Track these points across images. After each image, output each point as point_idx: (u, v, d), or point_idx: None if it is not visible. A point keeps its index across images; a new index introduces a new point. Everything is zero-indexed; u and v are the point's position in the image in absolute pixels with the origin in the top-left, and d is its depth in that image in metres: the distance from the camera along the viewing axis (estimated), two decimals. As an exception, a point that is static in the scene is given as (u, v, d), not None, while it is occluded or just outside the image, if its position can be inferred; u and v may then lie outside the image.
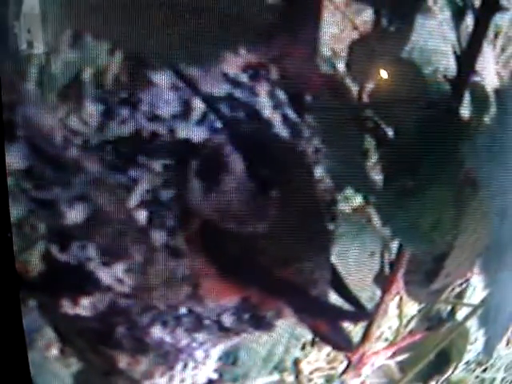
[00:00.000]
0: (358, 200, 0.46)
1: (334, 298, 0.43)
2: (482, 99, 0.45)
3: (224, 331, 0.42)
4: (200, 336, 0.42)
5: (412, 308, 0.54)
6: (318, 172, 0.41)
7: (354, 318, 0.46)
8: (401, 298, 0.52)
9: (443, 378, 0.56)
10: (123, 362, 0.42)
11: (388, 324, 0.54)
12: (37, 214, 0.38)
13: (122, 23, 0.37)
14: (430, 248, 0.47)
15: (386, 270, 0.49)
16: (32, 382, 0.38)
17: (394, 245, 0.48)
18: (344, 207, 0.45)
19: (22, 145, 0.36)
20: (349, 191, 0.45)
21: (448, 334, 0.54)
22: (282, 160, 0.40)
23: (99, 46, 0.37)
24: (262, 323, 0.42)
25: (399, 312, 0.53)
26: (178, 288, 0.39)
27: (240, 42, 0.38)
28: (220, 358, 0.46)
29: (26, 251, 0.38)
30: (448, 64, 0.44)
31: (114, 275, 0.38)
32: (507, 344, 0.59)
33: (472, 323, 0.54)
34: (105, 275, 0.38)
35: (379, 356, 0.53)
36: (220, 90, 0.38)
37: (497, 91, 0.45)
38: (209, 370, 0.46)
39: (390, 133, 0.45)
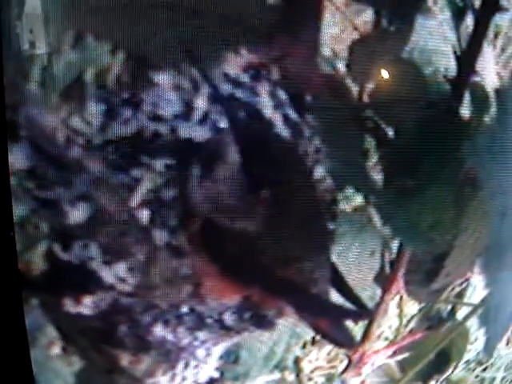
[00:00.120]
0: (358, 199, 0.46)
1: (335, 297, 0.43)
2: (482, 99, 0.45)
3: (225, 330, 0.42)
4: (201, 335, 0.42)
5: (412, 307, 0.54)
6: (319, 172, 0.42)
7: (355, 316, 0.46)
8: (401, 298, 0.52)
9: (443, 378, 0.56)
10: (125, 360, 0.42)
11: (388, 323, 0.54)
12: (39, 214, 0.38)
13: (124, 24, 0.37)
14: (430, 247, 0.47)
15: (387, 269, 0.49)
16: (34, 380, 0.38)
17: (395, 244, 0.49)
18: (344, 207, 0.45)
19: (24, 145, 0.37)
20: (349, 191, 0.45)
21: (448, 334, 0.54)
22: (283, 160, 0.40)
23: (101, 47, 0.37)
24: (263, 322, 0.42)
25: (399, 311, 0.53)
26: (179, 287, 0.39)
27: (241, 42, 0.39)
28: (221, 357, 0.46)
29: (29, 250, 0.38)
30: (448, 64, 0.44)
31: (116, 274, 0.38)
32: (507, 343, 0.59)
33: (472, 323, 0.54)
34: (107, 274, 0.38)
35: (379, 355, 0.53)
36: (221, 90, 0.39)
37: (497, 91, 0.45)
38: (210, 368, 0.46)
39: (391, 133, 0.45)
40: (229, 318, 0.41)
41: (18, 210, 0.37)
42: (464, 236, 0.46)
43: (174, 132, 0.37)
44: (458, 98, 0.45)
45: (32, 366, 0.38)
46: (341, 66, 0.43)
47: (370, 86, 0.44)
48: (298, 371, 0.52)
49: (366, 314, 0.48)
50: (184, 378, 0.44)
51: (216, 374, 0.46)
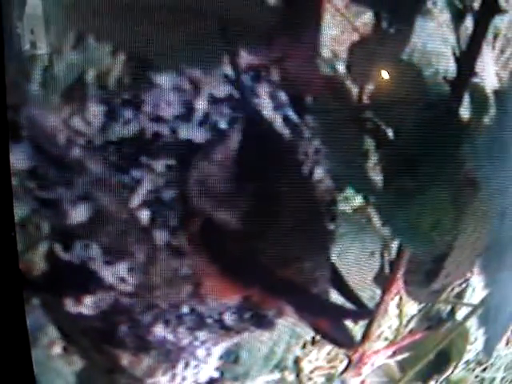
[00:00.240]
0: (358, 200, 0.46)
1: (335, 297, 0.44)
2: (481, 100, 0.45)
3: (225, 330, 0.42)
4: (202, 335, 0.42)
5: (412, 308, 0.54)
6: (319, 172, 0.42)
7: (355, 316, 0.46)
8: (401, 298, 0.53)
9: (443, 378, 0.56)
10: (126, 360, 0.42)
11: (388, 323, 0.54)
12: (40, 214, 0.38)
13: (125, 25, 0.37)
14: (430, 248, 0.47)
15: (386, 269, 0.49)
16: (35, 380, 0.38)
17: (394, 245, 0.49)
18: (344, 207, 0.45)
19: (26, 145, 0.37)
20: (349, 191, 0.45)
21: (448, 334, 0.54)
22: (283, 160, 0.41)
23: (102, 47, 0.37)
24: (263, 322, 0.42)
25: (399, 311, 0.53)
26: (179, 287, 0.39)
27: (241, 43, 0.39)
28: (221, 357, 0.46)
29: (30, 250, 0.38)
30: (448, 65, 0.44)
31: (116, 274, 0.38)
32: (507, 344, 0.59)
33: (472, 323, 0.54)
34: (108, 274, 0.38)
35: (379, 355, 0.53)
36: (221, 91, 0.39)
37: (496, 92, 0.45)
38: (210, 368, 0.46)
39: (390, 134, 0.45)
40: (229, 318, 0.41)
41: (19, 210, 0.37)
42: (464, 236, 0.46)
43: (175, 133, 0.38)
44: (458, 99, 0.45)
45: (33, 366, 0.38)
46: (341, 68, 0.43)
47: (369, 87, 0.44)
48: (298, 371, 0.52)
49: (366, 314, 0.48)
50: (184, 378, 0.44)
51: (216, 374, 0.46)
